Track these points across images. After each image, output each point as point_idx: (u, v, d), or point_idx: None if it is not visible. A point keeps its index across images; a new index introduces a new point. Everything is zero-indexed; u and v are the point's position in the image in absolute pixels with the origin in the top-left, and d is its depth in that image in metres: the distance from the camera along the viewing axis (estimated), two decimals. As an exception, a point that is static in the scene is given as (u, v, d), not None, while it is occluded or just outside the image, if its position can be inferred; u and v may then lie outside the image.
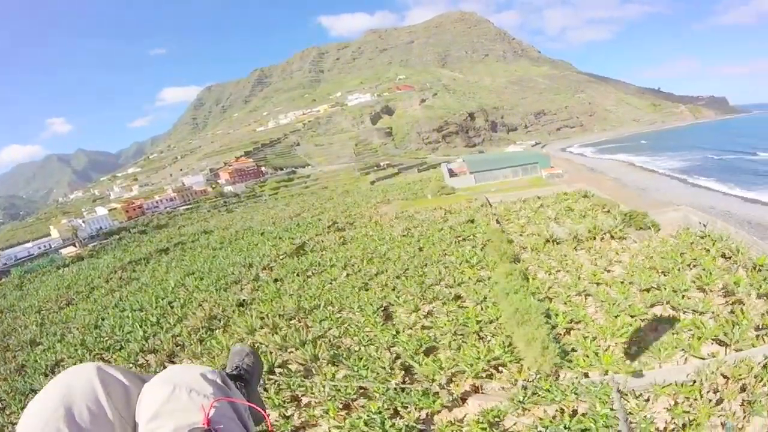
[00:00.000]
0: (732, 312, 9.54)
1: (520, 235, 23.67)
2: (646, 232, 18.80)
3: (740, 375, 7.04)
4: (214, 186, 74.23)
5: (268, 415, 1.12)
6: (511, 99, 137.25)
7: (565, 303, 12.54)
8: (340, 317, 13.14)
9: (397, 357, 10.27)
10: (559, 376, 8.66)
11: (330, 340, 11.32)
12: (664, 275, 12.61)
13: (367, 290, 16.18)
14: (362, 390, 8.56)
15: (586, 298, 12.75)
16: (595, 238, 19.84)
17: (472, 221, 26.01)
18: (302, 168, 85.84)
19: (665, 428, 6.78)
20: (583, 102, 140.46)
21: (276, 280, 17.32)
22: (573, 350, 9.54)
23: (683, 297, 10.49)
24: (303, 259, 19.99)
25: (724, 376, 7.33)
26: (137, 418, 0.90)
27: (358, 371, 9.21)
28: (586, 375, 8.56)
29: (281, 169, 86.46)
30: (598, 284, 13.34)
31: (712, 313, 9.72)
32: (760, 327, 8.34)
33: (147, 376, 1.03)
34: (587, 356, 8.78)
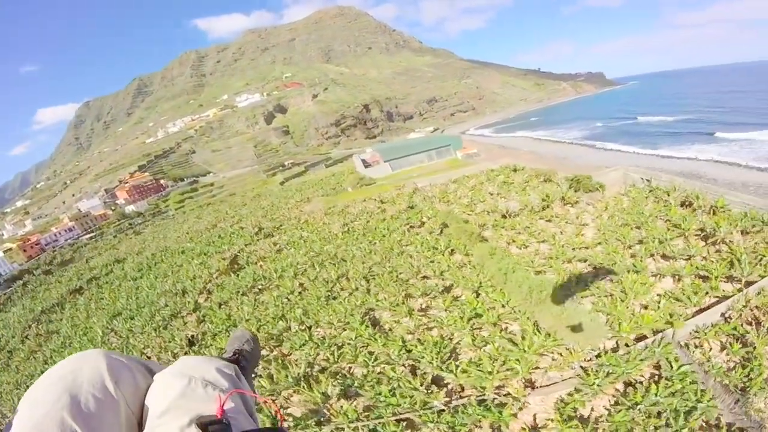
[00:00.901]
0: (718, 251, 11.19)
1: (469, 214, 24.79)
2: (595, 194, 21.45)
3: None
4: (113, 208, 73.43)
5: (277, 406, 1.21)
6: (401, 89, 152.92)
7: (559, 273, 13.16)
8: (324, 337, 11.39)
9: (419, 370, 9.20)
10: (605, 347, 8.79)
11: (325, 368, 9.57)
12: (639, 229, 14.21)
13: (335, 299, 14.70)
14: (405, 422, 7.25)
15: (576, 265, 13.61)
16: (549, 207, 21.80)
17: (412, 207, 26.64)
18: (204, 176, 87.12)
19: (728, 368, 7.31)
20: (470, 87, 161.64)
21: (221, 305, 14.54)
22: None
23: (673, 246, 11.91)
24: (243, 275, 17.52)
25: (752, 309, 8.34)
26: (147, 409, 0.91)
27: (385, 400, 7.83)
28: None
29: (182, 180, 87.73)
30: (581, 249, 14.44)
31: (702, 256, 11.21)
32: (760, 258, 9.85)
33: (155, 364, 1.07)
34: (620, 321, 9.10)
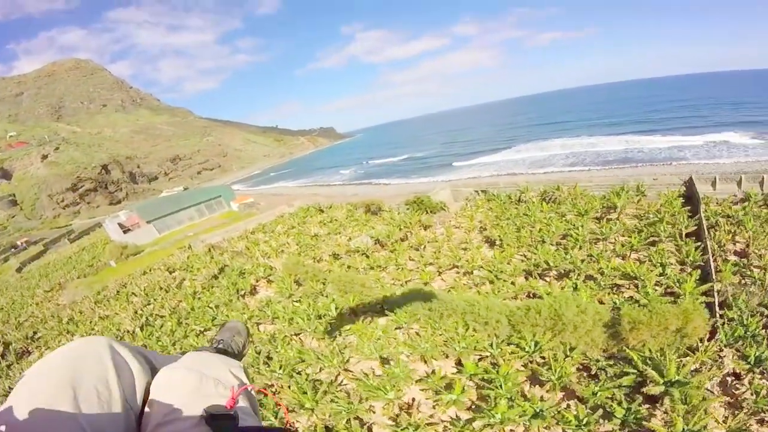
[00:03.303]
0: (631, 224, 12.75)
1: (314, 261, 21.53)
2: (442, 213, 22.07)
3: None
4: None
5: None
6: (142, 148, 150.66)
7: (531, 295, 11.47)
8: None
9: None
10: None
11: None
12: (545, 225, 14.88)
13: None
14: None
15: (533, 277, 12.31)
16: (409, 234, 20.83)
17: (222, 270, 22.42)
18: None
19: None
20: (213, 145, 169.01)
21: None
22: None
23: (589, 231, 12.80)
24: None
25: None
26: (151, 403, 0.94)
27: None
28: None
29: None
30: (503, 262, 13.55)
31: (625, 230, 12.47)
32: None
33: (156, 356, 1.09)
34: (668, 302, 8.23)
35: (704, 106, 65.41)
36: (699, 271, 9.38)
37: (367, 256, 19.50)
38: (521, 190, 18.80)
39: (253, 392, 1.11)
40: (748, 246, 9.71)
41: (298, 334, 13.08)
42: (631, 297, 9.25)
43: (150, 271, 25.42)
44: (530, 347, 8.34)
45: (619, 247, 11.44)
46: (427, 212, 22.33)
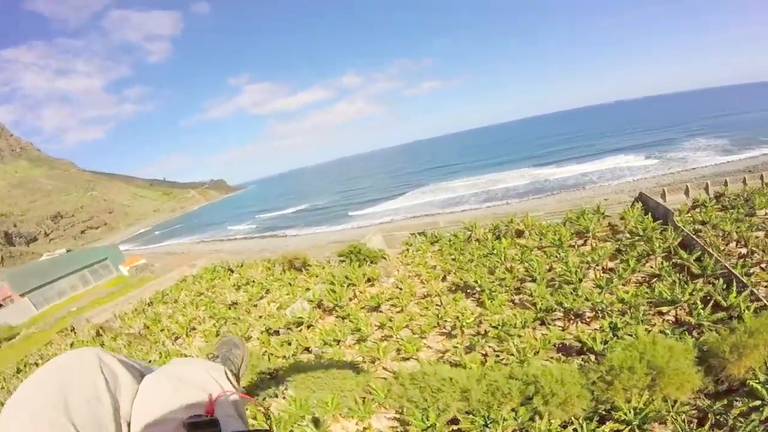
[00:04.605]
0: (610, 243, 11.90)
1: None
2: (383, 263, 19.15)
3: None
4: None
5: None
6: (19, 204, 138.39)
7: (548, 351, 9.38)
8: None
9: None
10: None
11: None
12: (518, 262, 13.38)
13: None
14: None
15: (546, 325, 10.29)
16: (357, 292, 17.48)
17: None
18: None
19: None
20: (98, 200, 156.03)
21: None
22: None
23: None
24: None
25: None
26: (136, 410, 0.93)
27: None
28: None
29: None
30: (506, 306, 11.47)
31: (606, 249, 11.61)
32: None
33: (144, 366, 1.08)
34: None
35: (588, 137, 73.01)
36: (721, 280, 8.60)
37: (309, 327, 15.59)
38: (468, 227, 17.30)
39: (237, 397, 1.07)
40: (745, 245, 9.50)
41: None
42: (677, 321, 7.91)
43: (25, 367, 20.66)
44: (631, 416, 6.06)
45: (622, 271, 10.35)
46: (367, 262, 19.37)
